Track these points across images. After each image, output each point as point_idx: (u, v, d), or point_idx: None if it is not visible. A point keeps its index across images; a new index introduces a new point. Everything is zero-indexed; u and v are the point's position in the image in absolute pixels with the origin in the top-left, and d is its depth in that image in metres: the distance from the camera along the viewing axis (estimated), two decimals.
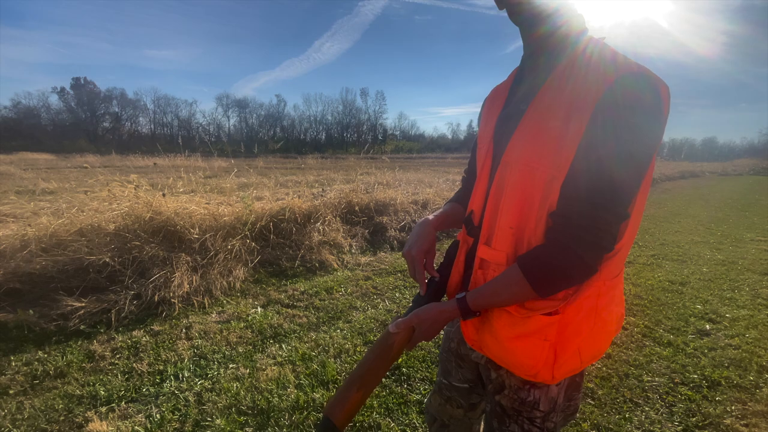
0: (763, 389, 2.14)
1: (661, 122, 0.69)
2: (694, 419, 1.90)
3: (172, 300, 2.95)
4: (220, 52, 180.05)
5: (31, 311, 2.64)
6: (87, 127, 66.94)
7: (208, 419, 1.82)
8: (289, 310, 3.02)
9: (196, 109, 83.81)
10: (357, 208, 5.36)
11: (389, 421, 1.84)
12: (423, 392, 2.05)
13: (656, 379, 2.22)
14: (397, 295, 3.37)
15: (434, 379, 2.13)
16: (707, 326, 2.89)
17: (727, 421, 1.89)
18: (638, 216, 0.77)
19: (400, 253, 4.74)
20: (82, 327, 2.58)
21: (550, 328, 0.74)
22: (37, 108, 63.36)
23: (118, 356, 2.32)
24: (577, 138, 0.68)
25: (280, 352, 2.41)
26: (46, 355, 2.29)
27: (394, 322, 0.84)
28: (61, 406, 1.88)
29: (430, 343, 2.49)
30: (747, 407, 1.99)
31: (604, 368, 2.30)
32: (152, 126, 76.98)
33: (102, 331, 2.57)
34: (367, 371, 0.79)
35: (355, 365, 2.29)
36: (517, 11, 0.77)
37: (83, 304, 2.73)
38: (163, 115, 77.83)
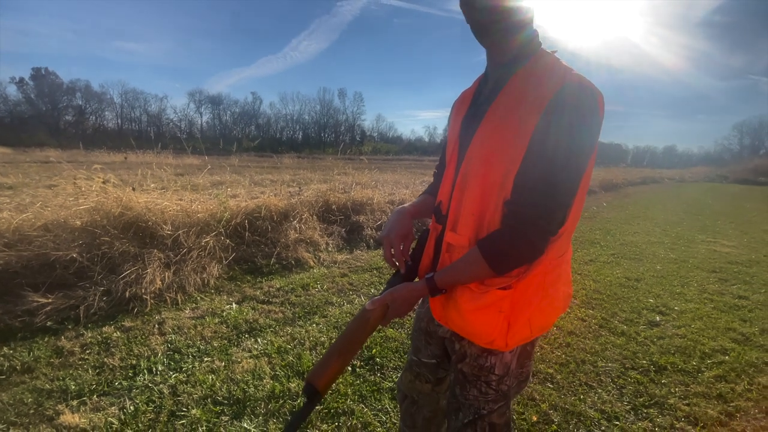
0: (705, 373, 2.36)
1: (597, 123, 0.81)
2: (641, 399, 2.09)
3: (144, 296, 2.92)
4: (193, 46, 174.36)
5: None
6: (47, 120, 63.17)
7: (184, 409, 1.85)
8: (264, 306, 3.04)
9: (166, 105, 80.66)
10: (334, 207, 5.41)
11: (363, 407, 1.92)
12: (395, 380, 2.14)
13: (609, 364, 2.40)
14: (372, 291, 3.45)
15: None
16: (657, 318, 3.13)
17: (671, 401, 2.08)
18: (580, 204, 0.89)
19: (376, 251, 4.83)
20: (48, 323, 2.52)
21: (504, 301, 0.85)
22: None
23: (87, 351, 2.29)
24: (528, 136, 0.79)
25: (256, 346, 2.44)
26: (12, 351, 2.23)
27: (371, 300, 0.93)
28: (30, 399, 1.85)
29: (403, 334, 2.59)
30: (689, 389, 2.20)
31: (563, 356, 2.47)
32: (119, 121, 73.60)
33: (70, 327, 2.52)
34: (346, 343, 0.87)
35: None
36: (485, 30, 0.87)
37: (50, 300, 2.66)
38: (131, 109, 74.49)
